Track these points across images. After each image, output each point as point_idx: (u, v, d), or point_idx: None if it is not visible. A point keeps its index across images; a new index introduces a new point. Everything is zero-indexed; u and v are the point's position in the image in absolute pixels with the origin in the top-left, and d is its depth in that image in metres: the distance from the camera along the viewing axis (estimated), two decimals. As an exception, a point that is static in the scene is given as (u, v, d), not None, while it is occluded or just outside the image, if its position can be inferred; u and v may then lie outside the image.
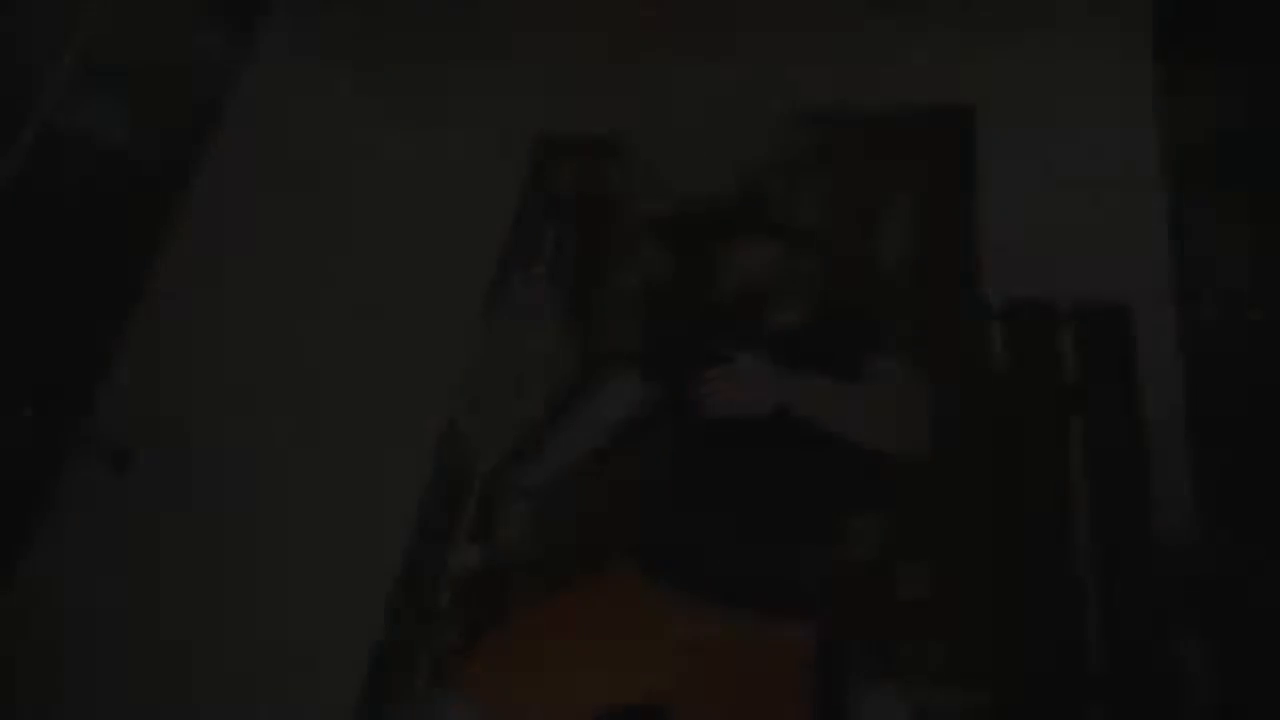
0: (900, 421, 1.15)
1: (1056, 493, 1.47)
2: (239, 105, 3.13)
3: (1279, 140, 1.81)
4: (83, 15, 3.04)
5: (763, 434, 1.17)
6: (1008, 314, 1.65)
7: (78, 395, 2.30)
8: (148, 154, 3.08)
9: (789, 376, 1.16)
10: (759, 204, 1.57)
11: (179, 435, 2.03)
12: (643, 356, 1.44)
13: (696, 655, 1.10)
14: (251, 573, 1.87)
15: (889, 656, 1.15)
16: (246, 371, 2.14)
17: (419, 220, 2.72)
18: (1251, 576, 1.21)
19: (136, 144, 3.09)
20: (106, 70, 3.23)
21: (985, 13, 2.14)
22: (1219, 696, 1.27)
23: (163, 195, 2.98)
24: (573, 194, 1.90)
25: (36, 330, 2.36)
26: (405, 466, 1.85)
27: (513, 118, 2.82)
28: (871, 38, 2.16)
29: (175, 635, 1.89)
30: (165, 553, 1.96)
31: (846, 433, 1.15)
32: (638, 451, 1.46)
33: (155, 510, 1.99)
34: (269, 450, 1.95)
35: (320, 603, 1.82)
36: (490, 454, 1.49)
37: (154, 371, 2.39)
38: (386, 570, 1.68)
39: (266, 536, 1.90)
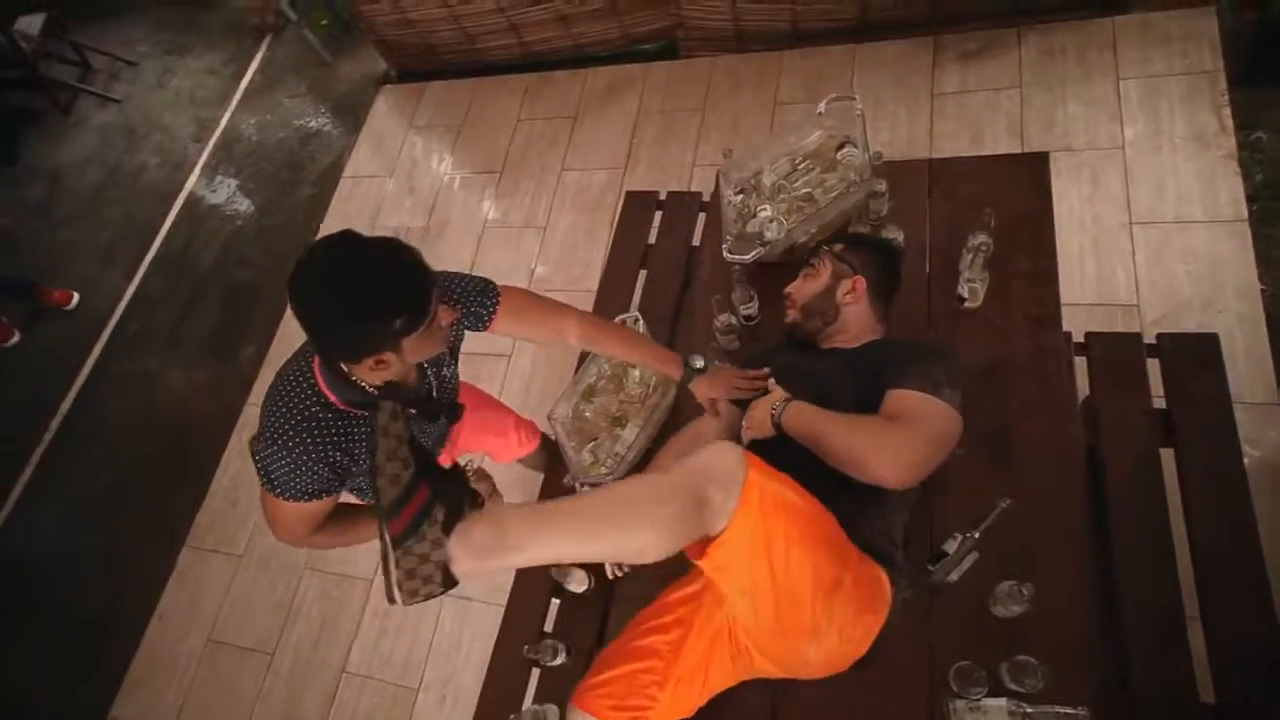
0: (883, 454, 1.14)
1: (1151, 522, 1.48)
2: (351, 173, 3.56)
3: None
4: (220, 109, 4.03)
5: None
6: (1092, 347, 1.68)
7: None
8: (272, 218, 3.53)
9: (795, 404, 1.24)
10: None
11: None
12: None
13: None
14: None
15: (988, 675, 1.19)
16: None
17: (515, 268, 2.96)
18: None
19: (262, 209, 3.57)
20: (239, 151, 3.78)
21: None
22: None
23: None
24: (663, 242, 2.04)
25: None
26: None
27: (592, 178, 3.05)
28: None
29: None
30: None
31: (828, 456, 1.19)
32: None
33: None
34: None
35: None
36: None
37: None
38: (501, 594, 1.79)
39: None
